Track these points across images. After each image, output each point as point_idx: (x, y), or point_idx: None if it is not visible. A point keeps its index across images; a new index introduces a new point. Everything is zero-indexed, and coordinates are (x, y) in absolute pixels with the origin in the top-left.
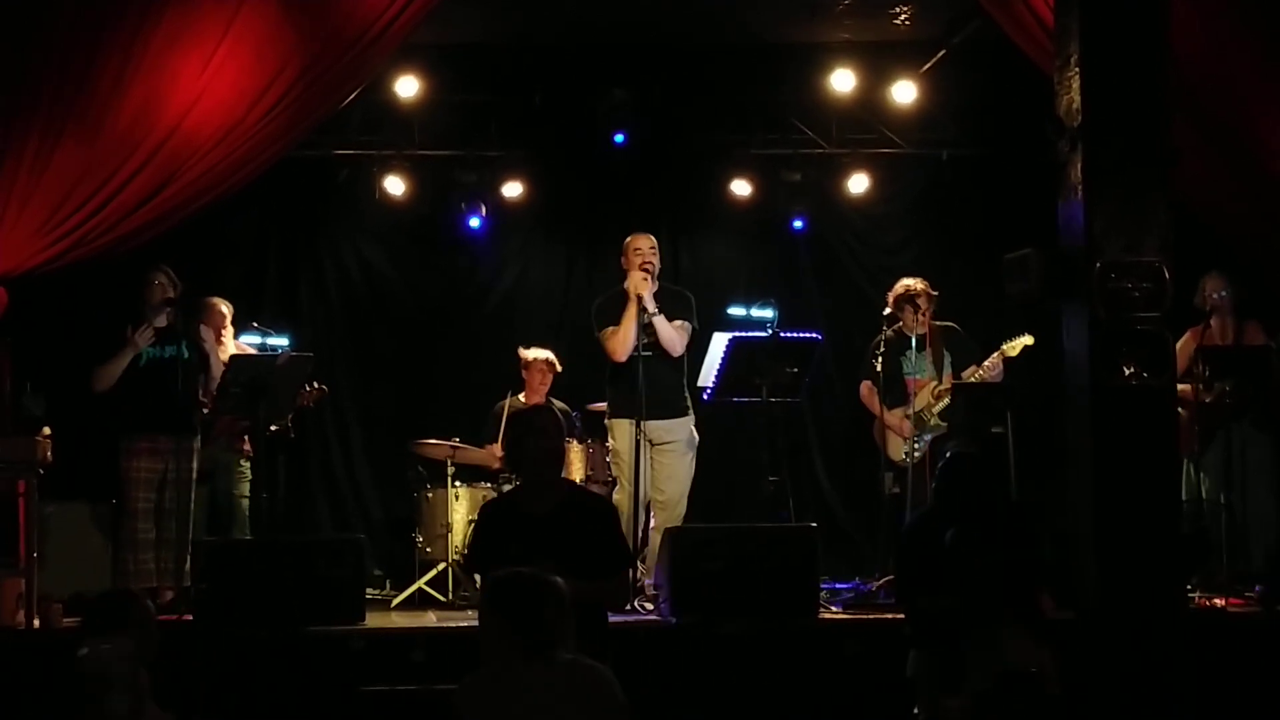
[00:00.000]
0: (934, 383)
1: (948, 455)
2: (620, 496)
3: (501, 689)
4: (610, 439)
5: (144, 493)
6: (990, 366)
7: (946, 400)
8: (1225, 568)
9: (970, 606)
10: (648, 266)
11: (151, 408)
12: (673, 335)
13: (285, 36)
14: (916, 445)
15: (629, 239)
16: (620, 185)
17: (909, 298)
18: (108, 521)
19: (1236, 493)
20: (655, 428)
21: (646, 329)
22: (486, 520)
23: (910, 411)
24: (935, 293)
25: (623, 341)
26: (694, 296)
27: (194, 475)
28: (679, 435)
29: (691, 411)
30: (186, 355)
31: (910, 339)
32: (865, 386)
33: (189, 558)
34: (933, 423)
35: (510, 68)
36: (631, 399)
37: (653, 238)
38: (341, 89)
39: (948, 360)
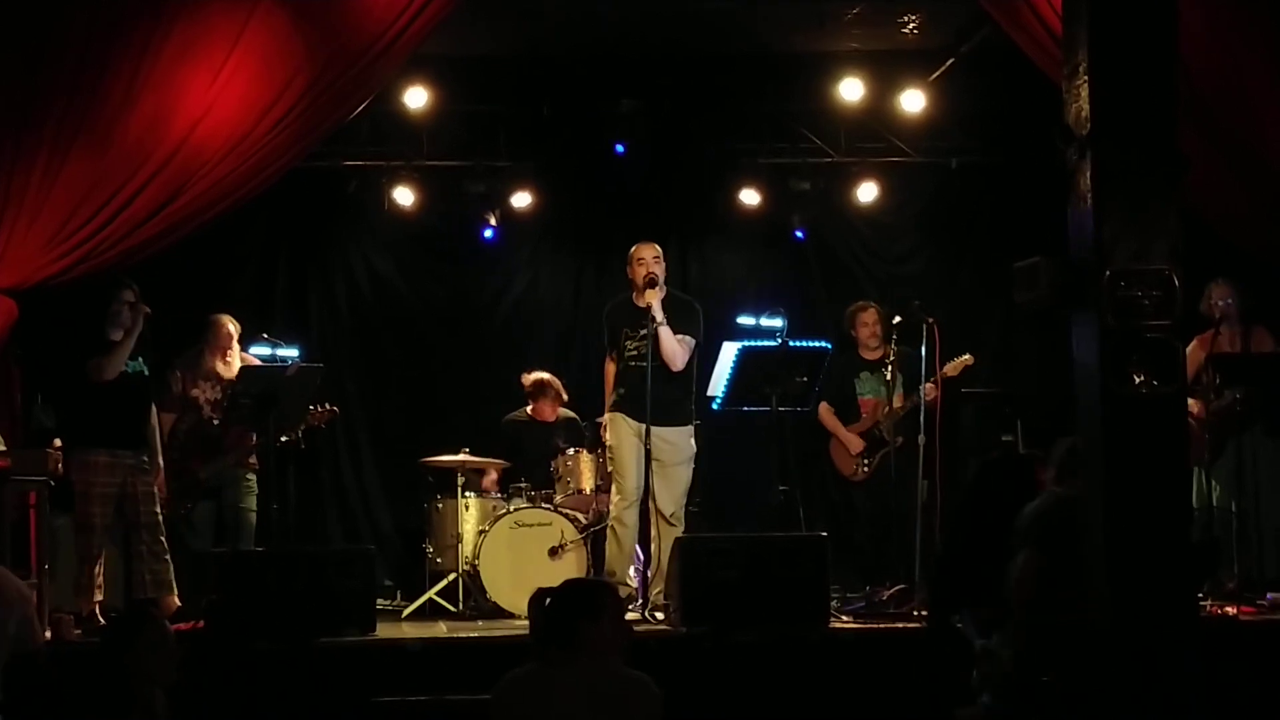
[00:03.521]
0: (885, 404)
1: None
2: (616, 497)
3: (534, 688)
4: (605, 435)
5: (101, 508)
6: (930, 390)
7: (897, 419)
8: (1236, 576)
9: (997, 610)
10: (651, 277)
11: (116, 421)
12: (675, 349)
13: (294, 48)
14: (866, 462)
15: (633, 249)
16: (629, 195)
17: (854, 318)
18: (119, 534)
19: (1248, 500)
20: (656, 435)
21: (651, 339)
22: None
23: (862, 430)
24: (899, 318)
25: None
26: (703, 306)
27: (155, 487)
28: (679, 443)
29: (692, 422)
30: (146, 371)
31: (868, 361)
32: (824, 407)
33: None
34: (885, 439)
35: (519, 78)
36: (634, 403)
37: (657, 246)
38: (350, 100)
39: (899, 381)
